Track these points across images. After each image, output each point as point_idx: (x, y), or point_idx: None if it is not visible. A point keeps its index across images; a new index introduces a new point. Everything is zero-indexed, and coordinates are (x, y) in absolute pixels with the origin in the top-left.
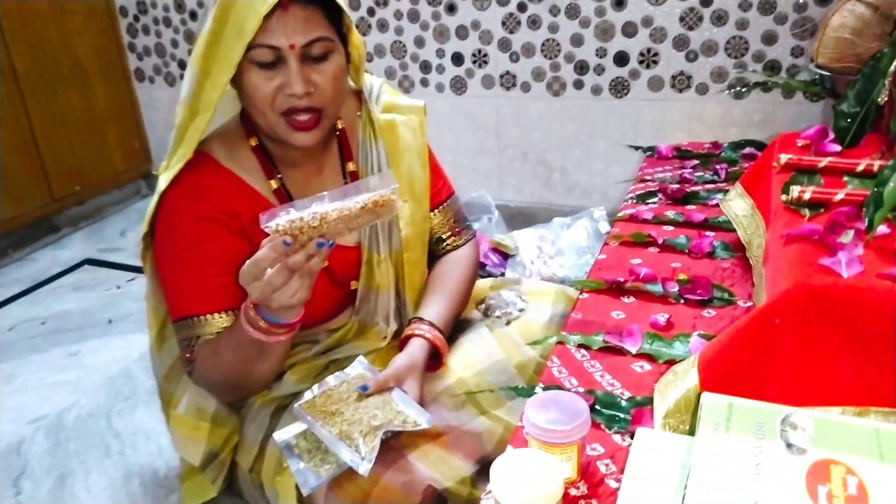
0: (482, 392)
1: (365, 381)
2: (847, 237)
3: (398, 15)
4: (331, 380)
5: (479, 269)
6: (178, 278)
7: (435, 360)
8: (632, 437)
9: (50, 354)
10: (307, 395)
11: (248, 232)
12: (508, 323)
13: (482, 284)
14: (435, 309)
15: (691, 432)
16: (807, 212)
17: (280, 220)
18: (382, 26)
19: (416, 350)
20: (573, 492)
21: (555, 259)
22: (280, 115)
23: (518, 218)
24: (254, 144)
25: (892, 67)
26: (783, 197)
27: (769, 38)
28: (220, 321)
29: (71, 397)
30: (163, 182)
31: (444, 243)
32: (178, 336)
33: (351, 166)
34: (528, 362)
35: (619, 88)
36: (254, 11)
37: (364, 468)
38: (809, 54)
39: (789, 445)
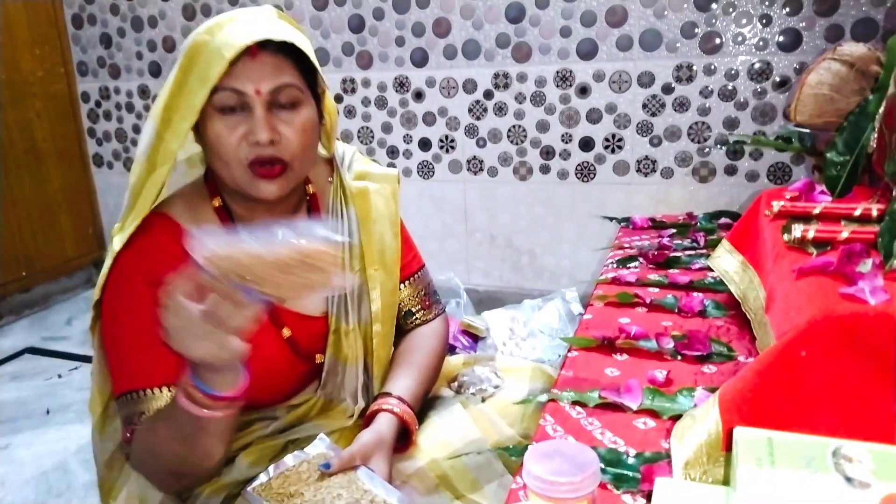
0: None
1: (327, 459)
2: (866, 266)
3: (366, 102)
4: (289, 459)
5: (449, 352)
6: (125, 347)
7: (404, 439)
8: (644, 498)
9: None
10: (262, 478)
11: None
12: (484, 400)
13: (454, 361)
14: (403, 383)
15: (719, 482)
16: (813, 250)
17: (207, 250)
18: (350, 112)
19: (383, 426)
20: None
21: (527, 341)
22: (246, 166)
23: (487, 302)
24: (217, 205)
25: (880, 111)
26: (785, 237)
27: (731, 124)
28: (167, 396)
29: None
30: (116, 243)
31: (414, 317)
32: (121, 413)
33: None
34: (506, 441)
35: (586, 173)
36: (220, 56)
37: None
38: (784, 113)
39: (849, 479)
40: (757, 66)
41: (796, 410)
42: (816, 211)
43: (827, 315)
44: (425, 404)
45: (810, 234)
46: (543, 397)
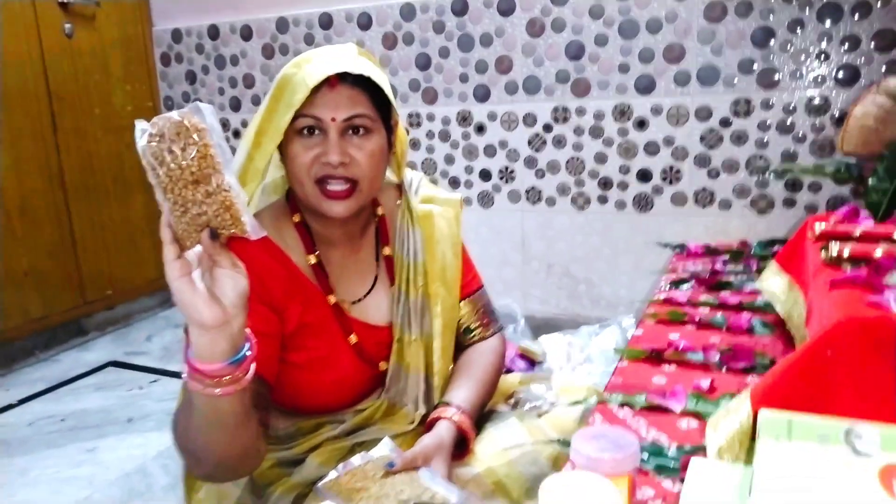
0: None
1: (391, 459)
2: (893, 278)
3: (430, 135)
4: (355, 460)
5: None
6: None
7: (462, 448)
8: (682, 483)
9: (66, 450)
10: (331, 475)
11: (279, 305)
12: (540, 416)
13: (511, 379)
14: (462, 394)
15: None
16: (848, 266)
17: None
18: (415, 144)
19: (443, 432)
20: None
21: (583, 366)
22: (315, 182)
23: (544, 328)
24: (297, 221)
25: None
26: (822, 254)
27: (789, 157)
28: None
29: (84, 492)
30: None
31: (472, 333)
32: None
33: (387, 251)
34: (560, 455)
35: (643, 204)
36: (304, 86)
37: None
38: (836, 144)
39: (856, 451)
40: (815, 101)
41: (820, 404)
42: (857, 233)
43: (852, 318)
44: (482, 417)
45: (846, 253)
46: (593, 400)
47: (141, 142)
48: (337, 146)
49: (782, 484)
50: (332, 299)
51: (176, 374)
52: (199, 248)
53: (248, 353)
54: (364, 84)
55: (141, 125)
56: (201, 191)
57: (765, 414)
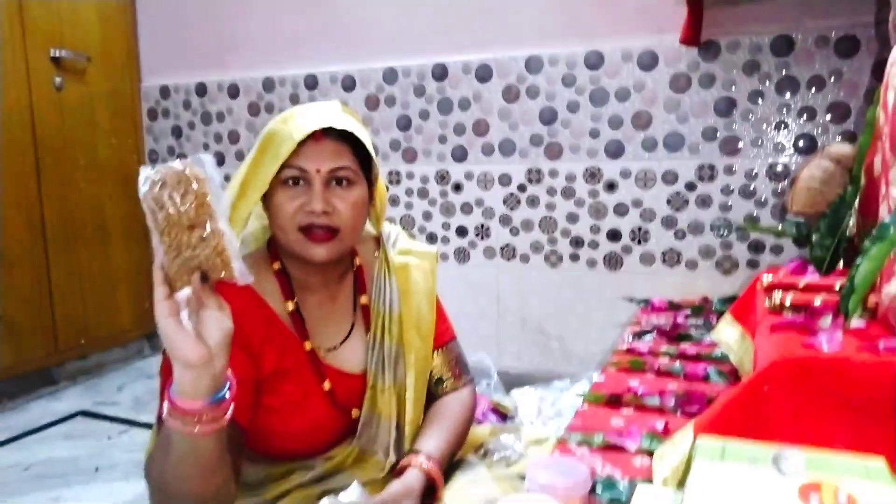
0: None
1: None
2: (826, 321)
3: (409, 192)
4: (324, 502)
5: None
6: (166, 381)
7: (430, 496)
8: None
9: (29, 499)
10: None
11: (255, 350)
12: (508, 466)
13: (480, 430)
14: (432, 443)
15: None
16: (789, 313)
17: None
18: (394, 201)
19: (412, 479)
20: None
21: (553, 420)
22: (298, 230)
23: (517, 383)
24: (276, 268)
25: (856, 201)
26: (766, 303)
27: (751, 220)
28: None
29: None
30: None
31: (444, 384)
32: (153, 435)
33: (364, 300)
34: None
35: (613, 262)
36: (290, 139)
37: None
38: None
39: (781, 472)
40: (776, 167)
41: (755, 432)
42: (801, 284)
43: (787, 358)
44: (452, 467)
45: (788, 301)
46: (552, 440)
47: (143, 187)
48: (321, 196)
49: (711, 498)
50: (307, 345)
51: (146, 425)
52: (187, 290)
53: (228, 393)
54: (347, 139)
55: (145, 172)
56: (196, 235)
57: (701, 440)
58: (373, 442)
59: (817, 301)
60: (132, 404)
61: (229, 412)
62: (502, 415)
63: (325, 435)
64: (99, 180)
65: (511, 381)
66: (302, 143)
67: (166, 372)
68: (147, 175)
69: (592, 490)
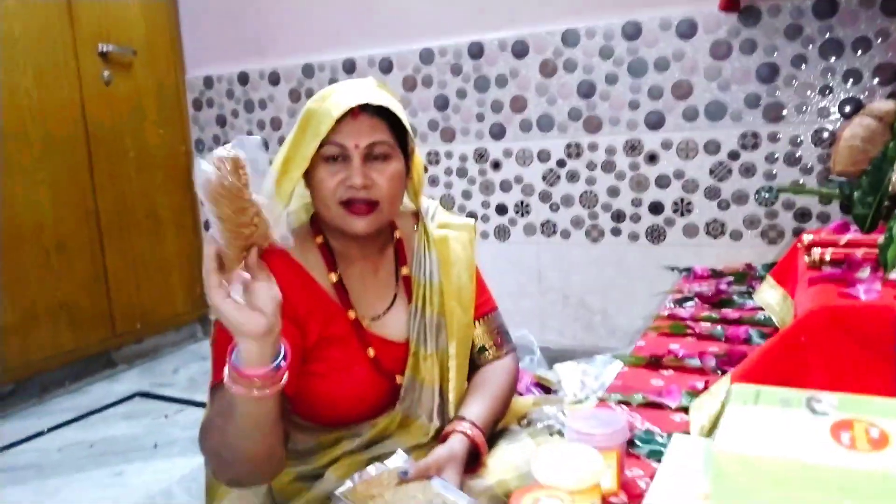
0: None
1: (405, 469)
2: (864, 273)
3: (448, 172)
4: (371, 469)
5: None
6: (220, 348)
7: (474, 462)
8: None
9: (95, 474)
10: (347, 484)
11: (301, 320)
12: (552, 434)
13: (524, 401)
14: (475, 409)
15: None
16: (827, 268)
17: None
18: (433, 181)
19: (456, 444)
20: (614, 500)
21: (597, 393)
22: (339, 204)
23: (560, 359)
24: (319, 242)
25: None
26: (805, 258)
27: (798, 193)
28: None
29: None
30: None
31: (486, 352)
32: (210, 404)
33: (405, 271)
34: None
35: (656, 235)
36: (329, 116)
37: None
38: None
39: (814, 412)
40: (822, 133)
41: (791, 381)
42: (843, 241)
43: (824, 307)
44: (495, 435)
45: (827, 256)
46: (593, 399)
47: (199, 176)
48: (360, 171)
49: (744, 433)
50: (351, 314)
51: (201, 404)
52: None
53: (285, 359)
54: (383, 114)
55: (200, 162)
56: (249, 213)
57: (736, 386)
58: (416, 407)
59: (858, 254)
60: (187, 385)
61: (286, 375)
62: (545, 389)
63: (370, 401)
64: (148, 170)
65: (553, 357)
66: (340, 120)
67: (220, 343)
68: (202, 166)
69: (631, 444)
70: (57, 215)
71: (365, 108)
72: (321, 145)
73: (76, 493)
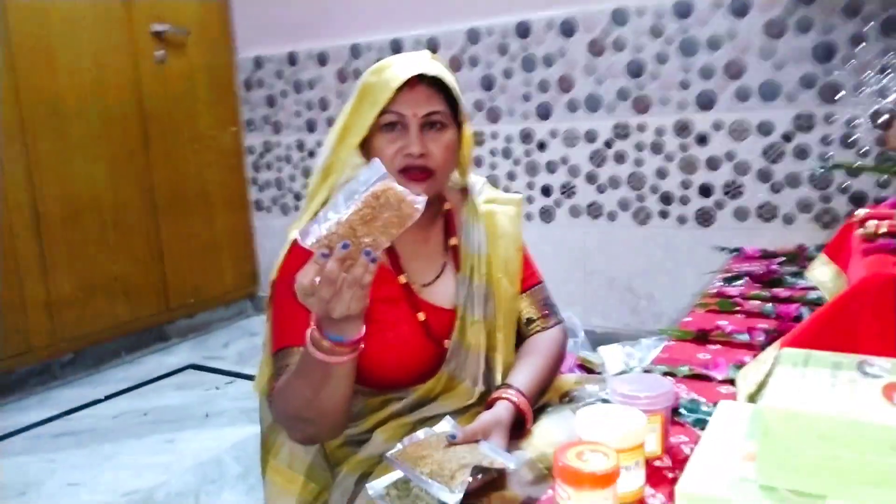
0: None
1: (453, 433)
2: None
3: (493, 152)
4: (419, 433)
5: None
6: (284, 313)
7: (519, 430)
8: None
9: (147, 440)
10: (398, 447)
11: None
12: None
13: (567, 378)
14: (522, 378)
15: None
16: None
17: (312, 237)
18: (478, 163)
19: (502, 410)
20: (658, 464)
21: (643, 365)
22: (398, 172)
23: (604, 343)
24: None
25: None
26: (859, 231)
27: (854, 171)
28: None
29: (162, 477)
30: (292, 235)
31: (534, 323)
32: (274, 368)
33: (453, 241)
34: None
35: (705, 218)
36: (388, 87)
37: (454, 499)
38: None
39: (865, 374)
40: (880, 114)
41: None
42: None
43: (878, 274)
44: (537, 410)
45: (883, 229)
46: (638, 371)
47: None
48: (417, 139)
49: (791, 393)
50: (402, 279)
51: (250, 377)
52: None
53: (363, 328)
54: (438, 85)
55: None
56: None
57: (786, 350)
58: (461, 369)
59: None
60: (237, 359)
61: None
62: (589, 370)
63: (418, 364)
64: (200, 150)
65: (598, 340)
66: (398, 91)
67: (285, 309)
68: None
69: (677, 413)
70: (114, 191)
71: (421, 79)
72: (380, 114)
73: (130, 458)
